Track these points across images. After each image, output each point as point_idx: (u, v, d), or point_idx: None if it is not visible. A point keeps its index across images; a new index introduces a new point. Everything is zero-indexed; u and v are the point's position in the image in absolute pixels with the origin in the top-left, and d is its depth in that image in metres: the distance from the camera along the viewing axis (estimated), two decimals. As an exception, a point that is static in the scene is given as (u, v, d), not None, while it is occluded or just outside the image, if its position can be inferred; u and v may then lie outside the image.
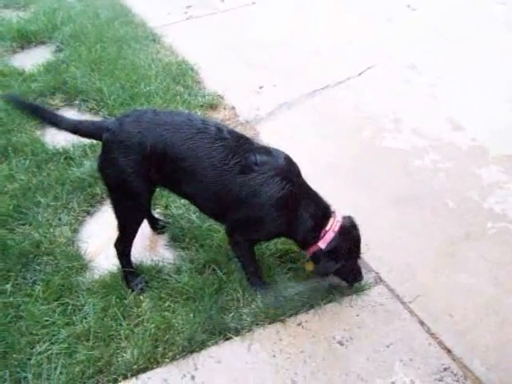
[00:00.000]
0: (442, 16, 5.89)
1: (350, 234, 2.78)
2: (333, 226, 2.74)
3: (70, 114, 4.34)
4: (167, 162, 2.61)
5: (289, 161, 2.73)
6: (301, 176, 2.76)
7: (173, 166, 2.62)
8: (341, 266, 2.75)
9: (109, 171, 2.70)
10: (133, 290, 2.91)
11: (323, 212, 2.77)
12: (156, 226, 3.31)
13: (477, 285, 2.99)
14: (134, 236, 2.92)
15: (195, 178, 2.62)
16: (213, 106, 4.47)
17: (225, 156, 2.57)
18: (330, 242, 2.72)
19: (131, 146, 2.59)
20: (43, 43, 5.46)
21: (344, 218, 2.82)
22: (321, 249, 2.73)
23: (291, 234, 2.79)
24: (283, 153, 2.74)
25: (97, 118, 4.25)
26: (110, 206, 2.86)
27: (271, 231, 2.77)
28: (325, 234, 2.72)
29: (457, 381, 2.52)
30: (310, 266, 2.89)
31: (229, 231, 2.82)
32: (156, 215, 3.36)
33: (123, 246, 2.94)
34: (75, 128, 2.77)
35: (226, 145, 2.60)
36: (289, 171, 2.68)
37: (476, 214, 3.45)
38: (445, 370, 2.57)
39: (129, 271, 2.96)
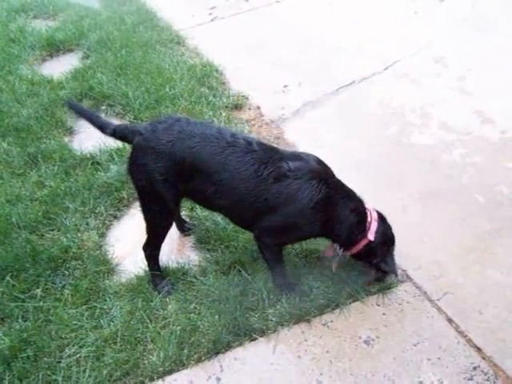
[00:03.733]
0: (470, 7, 5.77)
1: (385, 218, 2.83)
2: (373, 217, 2.75)
3: (97, 119, 4.41)
4: (196, 174, 2.62)
5: (320, 163, 2.73)
6: (334, 175, 2.76)
7: (202, 179, 2.63)
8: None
9: (138, 175, 2.73)
10: (159, 293, 2.93)
11: (362, 206, 2.77)
12: (183, 228, 3.33)
13: (507, 281, 2.92)
14: (161, 240, 2.94)
15: (227, 192, 2.63)
16: (238, 107, 4.47)
17: (257, 168, 2.58)
18: (377, 231, 2.73)
19: (161, 153, 2.60)
20: (71, 51, 5.55)
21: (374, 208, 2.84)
22: (370, 241, 2.72)
23: (332, 234, 2.76)
24: (313, 156, 2.74)
25: (123, 123, 4.30)
26: (140, 208, 2.88)
27: (304, 234, 2.78)
28: (370, 226, 2.73)
29: (487, 380, 2.47)
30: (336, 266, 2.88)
31: (258, 233, 2.80)
32: (182, 217, 3.37)
33: (151, 249, 2.97)
34: (114, 131, 2.83)
35: (257, 157, 2.60)
36: (322, 173, 2.68)
37: (506, 209, 3.37)
38: (474, 368, 2.51)
39: (156, 274, 2.99)
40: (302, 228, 2.70)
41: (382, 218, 2.82)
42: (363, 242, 2.74)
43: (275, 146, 2.80)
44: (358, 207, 2.75)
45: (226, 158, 2.58)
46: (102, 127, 2.88)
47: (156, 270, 3.00)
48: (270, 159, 2.62)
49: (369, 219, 2.75)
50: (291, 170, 2.60)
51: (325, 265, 2.99)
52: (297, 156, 2.71)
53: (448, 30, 5.39)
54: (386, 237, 2.79)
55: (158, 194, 2.70)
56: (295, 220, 2.65)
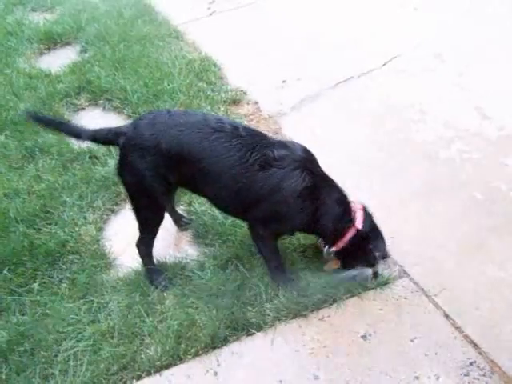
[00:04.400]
0: (470, 3, 5.76)
1: (367, 209, 2.82)
2: (357, 207, 2.76)
3: (95, 113, 4.43)
4: (184, 163, 2.62)
5: (306, 152, 2.73)
6: (318, 166, 2.76)
7: (190, 167, 2.62)
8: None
9: (126, 175, 2.73)
10: (156, 288, 2.93)
11: (345, 197, 2.78)
12: (180, 223, 3.33)
13: (505, 278, 2.92)
14: (154, 236, 2.94)
15: (214, 178, 2.62)
16: (236, 102, 4.46)
17: (243, 154, 2.57)
18: (364, 220, 2.73)
19: (147, 148, 2.60)
20: (69, 44, 5.54)
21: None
22: (358, 230, 2.72)
23: (320, 226, 2.74)
24: (300, 145, 2.74)
25: (121, 117, 4.31)
26: (131, 207, 2.89)
27: (295, 224, 2.76)
28: (355, 215, 2.73)
29: (483, 375, 2.47)
30: (330, 266, 2.87)
31: (251, 225, 2.82)
32: (180, 212, 3.37)
33: (144, 245, 2.97)
34: (94, 137, 2.81)
35: (243, 143, 2.59)
36: (308, 162, 2.68)
37: (504, 206, 3.36)
38: (471, 364, 2.52)
39: (152, 269, 2.99)
40: (290, 217, 2.69)
41: (365, 207, 2.82)
42: (351, 232, 2.73)
43: (262, 131, 2.77)
44: (341, 197, 2.75)
45: (211, 143, 2.57)
46: (77, 134, 2.84)
47: (151, 265, 3.00)
48: (257, 145, 2.61)
49: (353, 209, 2.75)
50: (276, 158, 2.59)
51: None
52: (283, 144, 2.70)
53: (447, 25, 5.36)
54: (373, 226, 2.80)
55: (148, 191, 2.70)
56: (282, 209, 2.65)
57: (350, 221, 2.73)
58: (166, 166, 2.62)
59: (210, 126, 2.59)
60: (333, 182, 2.77)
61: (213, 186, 2.67)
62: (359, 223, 2.72)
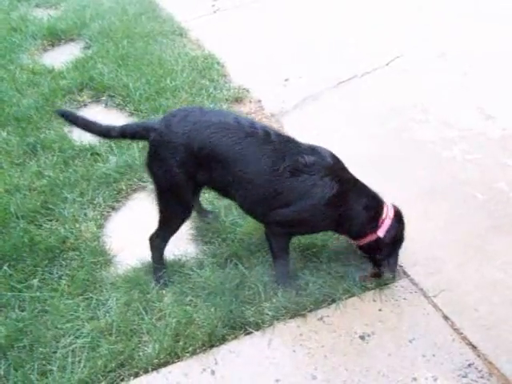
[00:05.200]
0: (474, 4, 5.73)
1: (402, 218, 2.84)
2: (388, 214, 2.76)
3: (97, 110, 4.43)
4: (214, 164, 2.61)
5: (335, 158, 2.74)
6: (347, 171, 2.77)
7: (220, 170, 2.62)
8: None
9: (157, 170, 2.73)
10: (157, 283, 2.94)
11: (376, 202, 2.79)
12: (202, 218, 3.33)
13: (505, 279, 2.91)
14: (173, 233, 2.94)
15: (243, 183, 2.62)
16: (238, 100, 4.46)
17: (274, 161, 2.58)
18: (389, 229, 2.75)
19: (178, 146, 2.59)
20: (72, 40, 5.54)
21: (393, 204, 2.86)
22: (379, 237, 2.74)
23: (343, 228, 2.80)
24: (328, 151, 2.74)
25: (123, 114, 4.31)
26: (156, 201, 2.87)
27: (317, 229, 2.82)
28: (383, 223, 2.74)
29: (481, 377, 2.46)
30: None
31: (269, 224, 2.79)
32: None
33: (160, 240, 2.95)
34: (124, 132, 2.82)
35: (274, 149, 2.60)
36: (337, 169, 2.69)
37: (505, 207, 3.35)
38: (469, 366, 2.51)
39: (158, 266, 2.99)
40: (314, 223, 2.73)
41: (398, 217, 2.82)
42: (372, 237, 2.76)
43: (291, 136, 2.77)
44: (371, 203, 2.76)
45: (243, 148, 2.57)
46: (105, 132, 2.85)
47: (159, 262, 2.99)
48: (288, 152, 2.61)
49: (383, 216, 2.76)
50: (307, 165, 2.59)
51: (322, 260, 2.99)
52: (312, 150, 2.70)
53: (451, 25, 5.35)
54: (396, 237, 2.81)
55: (177, 188, 2.71)
56: (308, 215, 2.66)
57: (375, 226, 2.75)
58: (196, 165, 2.63)
59: (243, 130, 2.59)
60: (363, 186, 2.78)
61: (242, 191, 2.66)
62: (382, 231, 2.74)
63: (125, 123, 2.84)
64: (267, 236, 2.84)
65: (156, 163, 2.71)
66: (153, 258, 3.00)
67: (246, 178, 2.60)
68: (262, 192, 2.62)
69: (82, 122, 2.92)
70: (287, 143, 2.67)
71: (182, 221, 2.89)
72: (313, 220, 2.70)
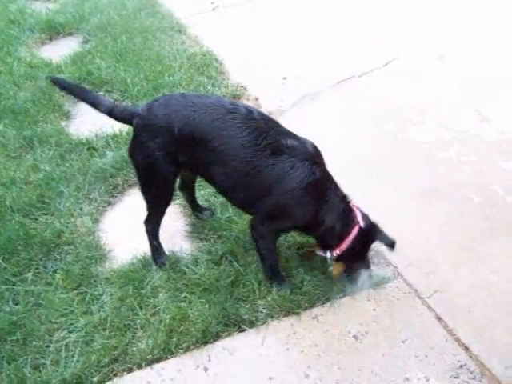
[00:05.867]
0: (473, 6, 5.74)
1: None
2: (355, 206, 2.77)
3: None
4: (196, 143, 2.62)
5: (316, 149, 2.74)
6: (325, 164, 2.76)
7: (201, 148, 2.62)
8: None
9: (137, 154, 2.77)
10: (156, 264, 3.00)
11: (346, 197, 2.77)
12: (201, 215, 3.33)
13: (498, 282, 2.92)
14: (160, 217, 2.97)
15: (224, 159, 2.61)
16: (236, 97, 4.45)
17: (256, 136, 2.57)
18: (363, 218, 2.74)
19: (159, 129, 2.63)
20: (71, 34, 5.54)
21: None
22: (361, 227, 2.71)
23: (323, 226, 2.71)
24: (310, 141, 2.75)
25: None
26: (139, 188, 2.92)
27: (298, 219, 2.73)
28: (356, 215, 2.73)
29: (473, 378, 2.47)
30: (338, 268, 2.86)
31: (254, 223, 2.80)
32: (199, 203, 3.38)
33: (151, 225, 3.01)
34: (111, 112, 2.82)
35: (257, 126, 2.59)
36: (316, 158, 2.69)
37: (500, 209, 3.36)
38: (461, 367, 2.52)
39: (155, 246, 3.03)
40: (293, 211, 2.68)
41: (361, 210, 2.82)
42: (355, 231, 2.71)
43: (275, 120, 2.79)
44: (344, 197, 2.75)
45: (224, 123, 2.57)
46: (96, 104, 2.85)
47: (155, 245, 3.03)
48: (271, 131, 2.62)
49: (353, 208, 2.76)
50: (288, 147, 2.60)
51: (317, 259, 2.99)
52: (295, 136, 2.71)
53: (449, 28, 5.37)
54: (371, 221, 2.78)
55: (158, 171, 2.74)
56: (287, 200, 2.64)
57: (353, 220, 2.72)
58: (176, 145, 2.64)
59: (224, 107, 2.61)
60: (335, 181, 2.77)
61: (223, 168, 2.64)
62: (361, 221, 2.72)
63: (114, 103, 2.83)
64: (253, 238, 2.84)
65: (137, 148, 2.74)
66: (149, 241, 3.04)
67: (225, 153, 2.59)
68: (241, 169, 2.59)
69: (75, 89, 2.96)
70: (270, 123, 2.68)
71: (165, 205, 2.93)
72: (292, 207, 2.66)
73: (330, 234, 2.74)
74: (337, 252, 2.75)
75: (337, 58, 4.98)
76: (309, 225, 2.76)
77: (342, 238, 2.73)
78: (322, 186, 2.66)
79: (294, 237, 3.11)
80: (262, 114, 2.71)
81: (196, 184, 3.24)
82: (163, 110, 2.65)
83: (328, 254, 2.79)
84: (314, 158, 2.65)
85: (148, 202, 2.90)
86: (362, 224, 2.71)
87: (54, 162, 3.73)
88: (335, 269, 2.87)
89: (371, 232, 2.76)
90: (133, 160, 2.82)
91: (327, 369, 2.54)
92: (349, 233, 2.72)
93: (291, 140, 2.63)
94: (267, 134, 2.59)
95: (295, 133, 2.75)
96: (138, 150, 2.74)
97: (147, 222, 3.00)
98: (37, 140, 3.91)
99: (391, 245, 2.78)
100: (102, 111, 2.83)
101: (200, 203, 3.36)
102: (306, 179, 2.58)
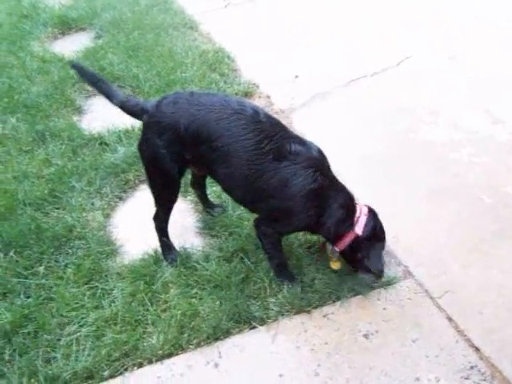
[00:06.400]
0: (487, 6, 5.72)
1: (376, 215, 2.81)
2: (362, 212, 2.74)
3: (107, 100, 4.40)
4: (200, 142, 2.62)
5: (321, 154, 2.72)
6: (331, 170, 2.76)
7: (206, 146, 2.62)
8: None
9: (145, 150, 2.80)
10: (166, 261, 3.01)
11: (351, 201, 2.76)
12: (208, 211, 3.35)
13: (509, 282, 2.90)
14: (168, 213, 2.98)
15: (227, 160, 2.62)
16: (248, 95, 4.47)
17: (260, 140, 2.56)
18: (365, 225, 2.71)
19: (166, 126, 2.64)
20: (83, 29, 5.56)
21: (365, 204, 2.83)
22: (358, 235, 2.71)
23: (321, 227, 2.74)
24: (316, 146, 2.73)
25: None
26: (147, 183, 2.95)
27: (299, 224, 2.75)
28: (357, 220, 2.71)
29: (484, 380, 2.46)
30: (336, 265, 2.87)
31: (257, 222, 2.82)
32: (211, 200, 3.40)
33: (159, 220, 3.02)
34: (122, 105, 2.85)
35: (262, 128, 2.58)
36: (320, 164, 2.67)
37: (511, 211, 3.36)
38: (471, 368, 2.51)
39: (164, 242, 3.05)
40: (295, 216, 2.68)
41: (373, 214, 2.79)
42: (350, 236, 2.72)
43: (282, 123, 2.78)
44: (346, 202, 2.73)
45: (229, 124, 2.57)
46: (109, 96, 2.88)
47: (164, 241, 3.05)
48: (276, 135, 2.60)
49: (357, 214, 2.73)
50: (291, 152, 2.58)
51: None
52: (301, 141, 2.69)
53: (462, 28, 5.35)
54: (374, 232, 2.76)
55: (163, 168, 2.75)
56: (288, 205, 2.63)
57: (351, 225, 2.71)
58: (182, 143, 2.65)
59: (230, 107, 2.60)
60: (341, 186, 2.76)
61: (225, 168, 2.65)
62: (359, 228, 2.71)
63: (127, 97, 2.87)
64: (258, 236, 2.85)
65: (145, 144, 2.77)
66: (158, 239, 3.05)
67: (229, 153, 2.59)
68: (243, 171, 2.60)
69: (92, 78, 2.97)
70: (276, 127, 2.66)
71: (171, 201, 2.94)
72: (292, 213, 2.66)
73: (328, 236, 2.79)
74: (337, 249, 2.79)
75: (349, 57, 4.98)
76: (311, 228, 2.80)
77: (338, 240, 2.76)
78: (323, 193, 2.64)
79: (305, 235, 3.11)
80: (268, 117, 2.68)
81: (207, 181, 3.24)
82: (171, 108, 2.66)
83: (330, 248, 2.83)
84: (317, 164, 2.63)
85: (155, 197, 2.92)
86: (358, 232, 2.70)
87: (65, 157, 3.75)
88: (334, 263, 2.89)
89: (363, 243, 2.74)
90: (141, 155, 2.86)
91: (337, 367, 2.53)
92: (344, 237, 2.73)
93: (296, 145, 2.61)
94: (272, 138, 2.58)
95: (302, 136, 2.74)
96: (146, 145, 2.77)
97: (155, 218, 3.01)
98: (49, 134, 3.93)
99: (371, 269, 2.79)
100: (114, 104, 2.86)
101: (211, 200, 3.36)
102: (307, 187, 2.57)
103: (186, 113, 2.62)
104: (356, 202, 2.80)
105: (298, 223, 2.74)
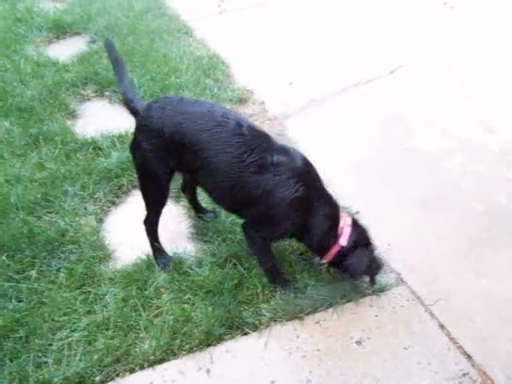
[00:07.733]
0: (480, 15, 5.77)
1: (361, 225, 2.82)
2: (346, 223, 2.74)
3: (101, 104, 4.44)
4: (185, 150, 2.65)
5: (306, 163, 2.72)
6: (316, 178, 2.76)
7: (189, 156, 2.65)
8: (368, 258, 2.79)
9: (134, 152, 2.83)
10: (158, 265, 3.01)
11: (336, 212, 2.77)
12: (200, 216, 3.35)
13: (500, 290, 2.92)
14: (157, 216, 3.00)
15: (210, 171, 2.65)
16: (242, 101, 4.48)
17: (241, 153, 2.57)
18: (350, 236, 2.72)
19: (153, 131, 2.68)
20: (78, 34, 5.55)
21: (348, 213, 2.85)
22: (342, 246, 2.72)
23: (305, 236, 2.77)
24: (301, 154, 2.73)
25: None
26: (138, 186, 2.96)
27: (283, 231, 2.77)
28: (342, 232, 2.72)
29: (475, 387, 2.48)
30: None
31: (244, 227, 2.83)
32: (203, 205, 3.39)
33: (149, 224, 3.03)
34: (123, 98, 2.94)
35: (244, 141, 2.59)
36: (305, 173, 2.67)
37: (503, 219, 3.37)
38: (463, 375, 2.52)
39: (155, 247, 3.05)
40: (278, 224, 2.70)
41: (355, 224, 2.80)
42: (335, 248, 2.73)
43: (267, 133, 2.78)
44: (331, 213, 2.73)
45: (211, 136, 2.59)
46: (119, 82, 2.98)
47: (155, 246, 3.05)
48: (257, 147, 2.60)
49: (341, 225, 2.74)
50: (273, 163, 2.59)
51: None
52: (284, 150, 2.68)
53: (455, 36, 5.38)
54: (360, 242, 2.77)
55: (152, 171, 2.77)
56: (271, 214, 2.65)
57: (335, 237, 2.73)
58: (166, 150, 2.68)
59: (213, 119, 2.61)
60: (327, 195, 2.77)
61: (210, 177, 2.69)
62: (344, 240, 2.72)
63: (132, 96, 2.88)
64: (247, 242, 2.88)
65: (135, 146, 2.80)
66: (149, 243, 3.06)
67: (211, 166, 2.62)
68: (226, 183, 2.63)
69: (117, 63, 3.02)
70: (258, 139, 2.66)
71: (160, 204, 2.95)
72: (276, 221, 2.67)
73: (312, 247, 2.84)
74: (324, 261, 2.82)
75: (343, 64, 5.00)
76: (296, 235, 2.82)
77: (324, 253, 2.78)
78: (307, 203, 2.65)
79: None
80: (251, 129, 2.67)
81: (198, 186, 3.24)
82: (159, 113, 2.68)
83: (316, 259, 2.90)
84: (300, 174, 2.63)
85: (145, 199, 2.94)
86: (343, 243, 2.72)
87: (59, 161, 3.74)
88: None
89: (347, 253, 2.75)
90: (132, 156, 2.89)
91: (329, 374, 2.54)
92: (329, 249, 2.75)
93: (278, 156, 2.61)
94: (253, 151, 2.58)
95: (292, 143, 2.74)
96: (135, 147, 2.80)
97: (146, 221, 3.03)
98: (42, 138, 3.92)
99: (352, 276, 2.85)
100: (118, 91, 2.92)
101: (204, 205, 3.36)
102: (290, 196, 2.58)
103: (171, 121, 2.64)
104: (340, 210, 2.80)
105: (282, 231, 2.76)
